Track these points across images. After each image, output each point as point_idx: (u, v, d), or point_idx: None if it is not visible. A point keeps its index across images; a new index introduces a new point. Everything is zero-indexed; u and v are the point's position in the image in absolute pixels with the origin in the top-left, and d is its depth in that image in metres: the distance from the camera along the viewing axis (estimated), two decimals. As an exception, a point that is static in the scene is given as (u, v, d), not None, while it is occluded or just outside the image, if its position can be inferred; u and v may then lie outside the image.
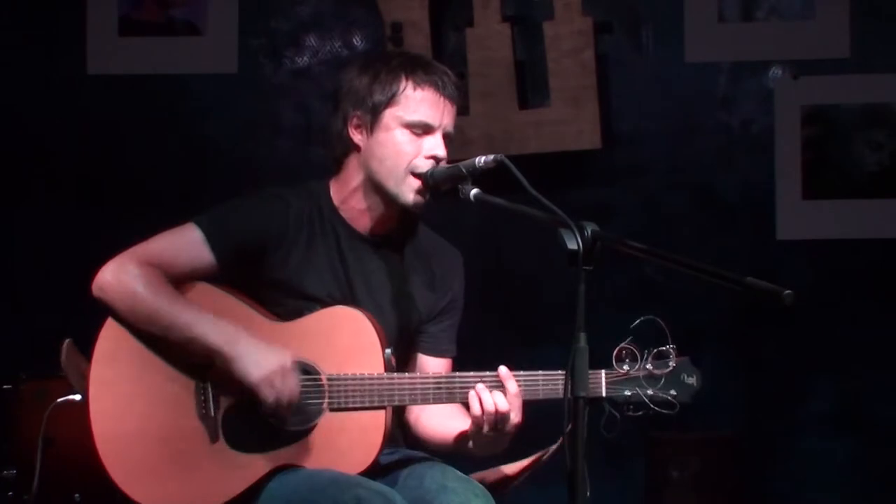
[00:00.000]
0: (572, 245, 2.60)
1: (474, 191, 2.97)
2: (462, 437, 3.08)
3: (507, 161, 2.89)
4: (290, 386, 2.93)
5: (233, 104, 4.97)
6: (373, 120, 3.05)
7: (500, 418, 2.94)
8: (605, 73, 4.79)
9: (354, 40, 4.97)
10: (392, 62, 3.09)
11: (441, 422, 3.16)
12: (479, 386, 2.95)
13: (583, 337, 2.57)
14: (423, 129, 3.05)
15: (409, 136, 3.05)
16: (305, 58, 4.99)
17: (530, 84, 4.83)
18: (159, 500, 2.98)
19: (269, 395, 2.92)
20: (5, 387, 4.09)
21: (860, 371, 4.71)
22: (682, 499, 4.49)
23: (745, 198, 4.81)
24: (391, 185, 3.05)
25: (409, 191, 3.04)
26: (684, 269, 2.66)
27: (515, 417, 2.97)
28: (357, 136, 3.08)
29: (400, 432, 3.21)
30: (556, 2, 4.73)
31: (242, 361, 2.92)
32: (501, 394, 2.95)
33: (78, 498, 3.93)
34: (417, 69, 3.06)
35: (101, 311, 3.02)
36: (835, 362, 4.72)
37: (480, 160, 2.97)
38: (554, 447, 3.01)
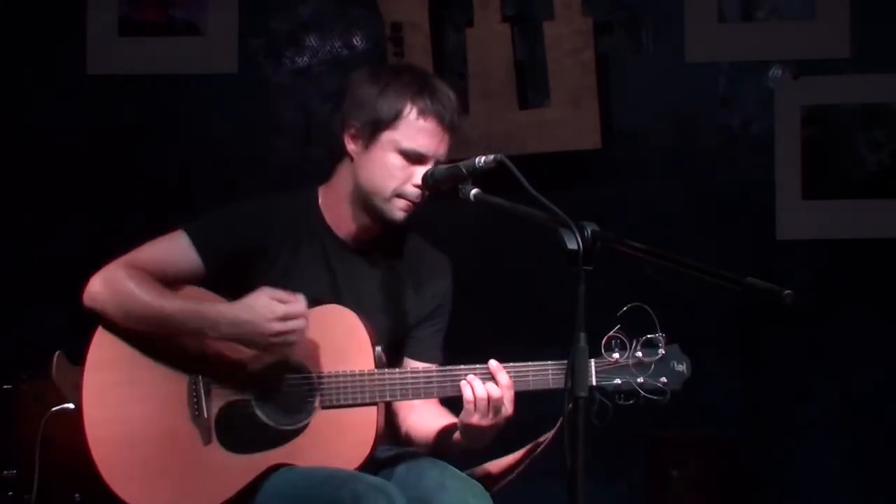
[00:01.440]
0: (572, 245, 2.60)
1: (474, 191, 2.99)
2: (449, 431, 3.11)
3: (507, 161, 2.90)
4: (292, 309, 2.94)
5: (233, 104, 4.97)
6: (370, 136, 3.09)
7: (492, 405, 2.96)
8: (605, 73, 4.78)
9: (354, 40, 4.97)
10: (401, 79, 3.10)
11: (428, 421, 3.19)
12: (471, 376, 2.99)
13: (583, 337, 2.59)
14: (416, 158, 3.09)
15: (401, 161, 3.09)
16: (305, 58, 4.98)
17: (530, 84, 4.83)
18: None
19: (269, 322, 2.93)
20: (5, 387, 4.09)
21: (860, 371, 4.71)
22: (683, 499, 4.49)
23: (745, 198, 4.80)
24: (377, 202, 3.10)
25: (395, 209, 3.10)
26: (684, 269, 2.67)
27: (507, 409, 2.98)
28: (351, 146, 3.13)
29: (389, 431, 3.23)
30: (556, 2, 4.72)
31: (231, 312, 2.96)
32: (494, 384, 2.98)
33: (78, 498, 3.92)
34: (424, 95, 3.08)
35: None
36: (835, 362, 4.71)
37: (480, 160, 2.98)
38: (548, 436, 3.02)
